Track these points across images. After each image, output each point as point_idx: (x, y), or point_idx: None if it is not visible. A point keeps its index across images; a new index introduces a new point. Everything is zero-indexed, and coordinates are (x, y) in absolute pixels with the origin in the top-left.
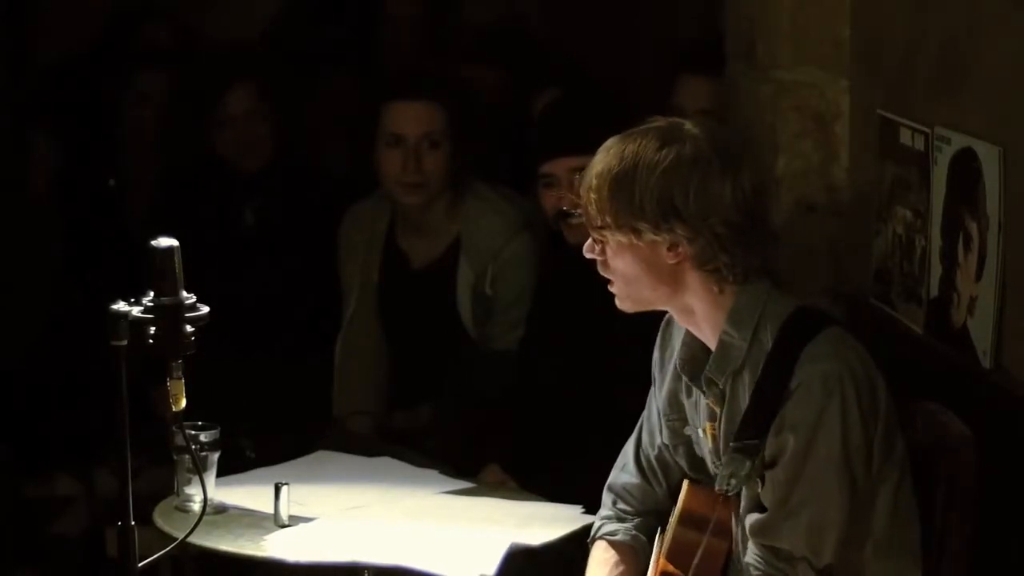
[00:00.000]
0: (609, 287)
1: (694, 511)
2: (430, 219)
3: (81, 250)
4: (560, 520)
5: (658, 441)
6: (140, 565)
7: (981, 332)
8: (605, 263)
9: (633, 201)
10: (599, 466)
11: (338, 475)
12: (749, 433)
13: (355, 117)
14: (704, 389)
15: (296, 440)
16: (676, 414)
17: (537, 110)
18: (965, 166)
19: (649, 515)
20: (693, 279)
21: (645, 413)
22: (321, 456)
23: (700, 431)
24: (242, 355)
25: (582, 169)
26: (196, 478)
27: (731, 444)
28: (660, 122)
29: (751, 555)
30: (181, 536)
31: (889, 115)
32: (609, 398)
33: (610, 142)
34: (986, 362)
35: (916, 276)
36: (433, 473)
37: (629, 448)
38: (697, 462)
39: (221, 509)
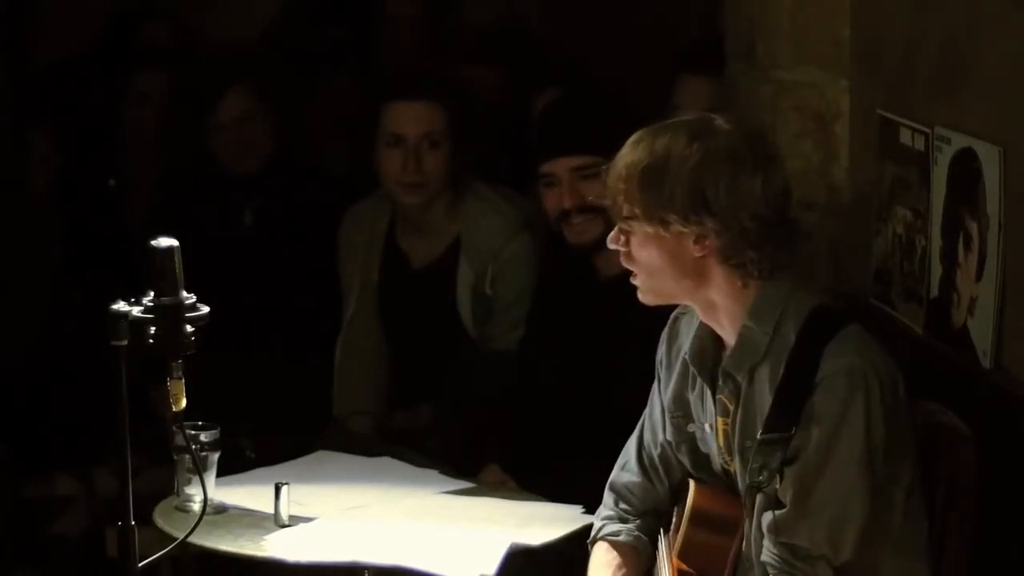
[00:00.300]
0: (632, 279)
1: (704, 510)
2: (430, 219)
3: (81, 250)
4: (560, 520)
5: (660, 438)
6: (140, 565)
7: (981, 332)
8: (629, 255)
9: (663, 193)
10: (599, 466)
11: (338, 475)
12: (779, 425)
13: (355, 117)
14: (719, 383)
15: (296, 440)
16: (681, 411)
17: (537, 110)
18: (965, 166)
19: (650, 515)
20: (717, 273)
21: (647, 411)
22: (321, 456)
23: (707, 427)
24: (242, 355)
25: (582, 169)
26: (196, 478)
27: (760, 436)
28: (690, 116)
29: (767, 554)
30: (181, 536)
31: (889, 115)
32: (609, 398)
33: (639, 135)
34: (986, 362)
35: (916, 276)
36: (433, 473)
37: (631, 446)
38: (700, 460)
39: (221, 509)
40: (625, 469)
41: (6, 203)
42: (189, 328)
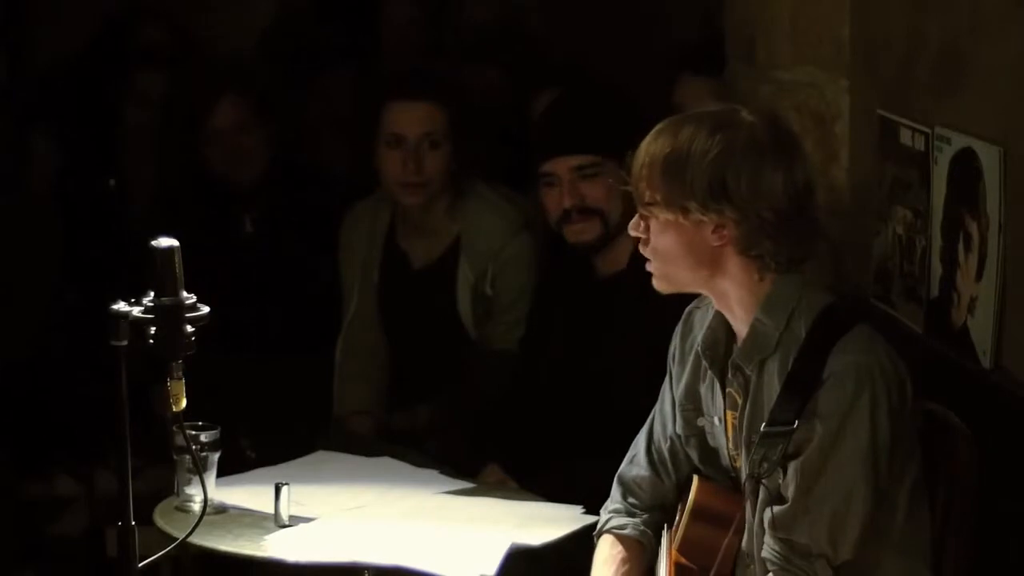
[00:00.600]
0: (647, 266)
1: (705, 506)
2: (430, 219)
3: (81, 250)
4: (560, 520)
5: (670, 431)
6: (140, 565)
7: (981, 332)
8: (647, 241)
9: (685, 180)
10: (599, 466)
11: (338, 475)
12: (783, 418)
13: (355, 117)
14: (729, 376)
15: (296, 440)
16: (692, 403)
17: (537, 110)
18: (965, 166)
19: (656, 509)
20: (733, 264)
21: (658, 405)
22: (321, 456)
23: (716, 420)
24: (242, 355)
25: (582, 168)
26: (196, 478)
27: (763, 428)
28: (716, 107)
29: (767, 550)
30: (181, 536)
31: (889, 115)
32: (609, 398)
33: (663, 124)
34: (986, 362)
35: (916, 276)
36: (433, 473)
37: (640, 440)
38: (708, 454)
39: (221, 509)
40: (634, 463)
41: (6, 203)
42: (189, 328)
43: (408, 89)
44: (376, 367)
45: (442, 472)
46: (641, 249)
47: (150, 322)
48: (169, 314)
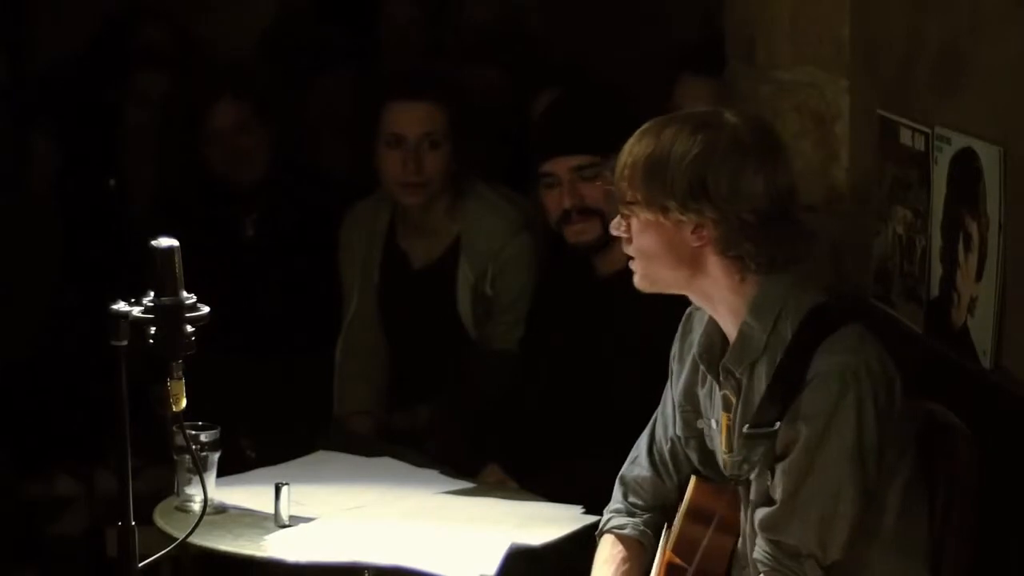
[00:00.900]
0: (630, 264)
1: (700, 506)
2: (430, 219)
3: (81, 250)
4: (560, 520)
5: (671, 432)
6: (140, 565)
7: (981, 332)
8: (629, 240)
9: (665, 180)
10: (599, 466)
11: (338, 475)
12: (765, 420)
13: (355, 117)
14: (721, 379)
15: (296, 440)
16: (691, 405)
17: (537, 110)
18: (965, 166)
19: (657, 510)
20: (714, 265)
21: (660, 407)
22: (321, 456)
23: (713, 422)
24: (242, 355)
25: (582, 169)
26: (196, 478)
27: (745, 430)
28: (701, 109)
29: (759, 551)
30: (181, 536)
31: (889, 115)
32: (608, 398)
33: (648, 125)
34: (986, 362)
35: (916, 276)
36: (433, 473)
37: (643, 441)
38: (707, 456)
39: (221, 509)
40: (636, 463)
41: (6, 203)
42: (189, 328)
43: (408, 89)
44: (376, 367)
45: (442, 472)
46: (624, 248)
47: (150, 322)
48: (169, 314)
